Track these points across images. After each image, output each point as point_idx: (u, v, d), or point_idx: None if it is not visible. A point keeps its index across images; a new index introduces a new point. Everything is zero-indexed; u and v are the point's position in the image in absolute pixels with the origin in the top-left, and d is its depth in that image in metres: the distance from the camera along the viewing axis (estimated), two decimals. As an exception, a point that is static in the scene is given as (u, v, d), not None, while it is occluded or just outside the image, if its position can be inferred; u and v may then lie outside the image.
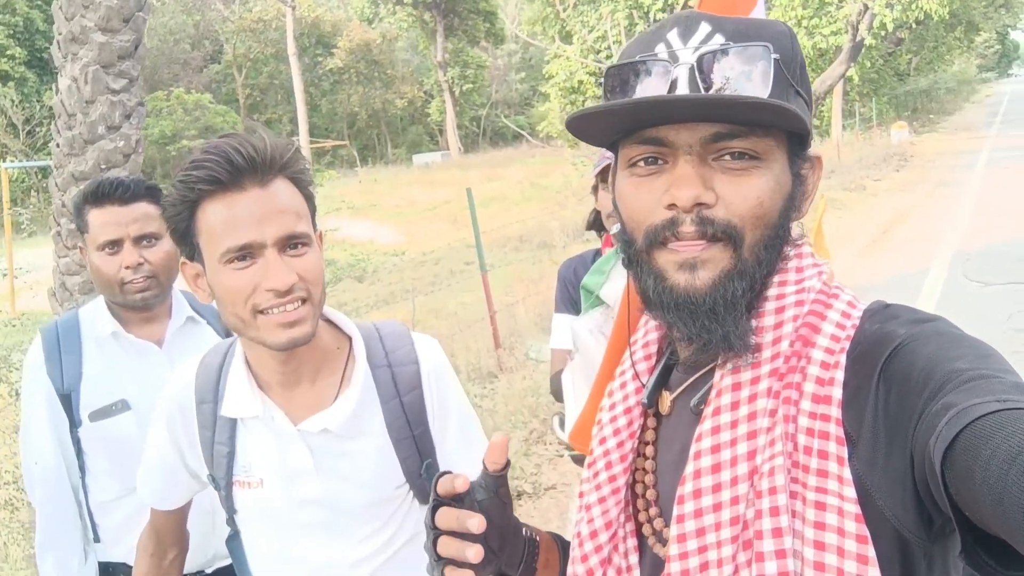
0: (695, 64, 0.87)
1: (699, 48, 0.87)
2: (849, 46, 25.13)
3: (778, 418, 0.86)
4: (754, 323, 0.90)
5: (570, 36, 31.40)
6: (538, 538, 1.10)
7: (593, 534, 1.02)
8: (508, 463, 0.99)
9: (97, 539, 2.23)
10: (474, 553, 0.91)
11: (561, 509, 4.84)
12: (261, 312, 1.34)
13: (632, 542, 1.02)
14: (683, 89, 0.87)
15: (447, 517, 0.94)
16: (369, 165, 40.62)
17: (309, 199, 1.43)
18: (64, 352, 2.15)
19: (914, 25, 29.36)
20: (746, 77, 0.85)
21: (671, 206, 0.88)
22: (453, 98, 44.51)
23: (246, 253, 1.32)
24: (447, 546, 0.93)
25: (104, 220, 2.09)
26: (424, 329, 8.85)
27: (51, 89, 5.43)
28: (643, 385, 1.04)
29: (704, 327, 0.89)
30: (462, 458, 1.59)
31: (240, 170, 1.31)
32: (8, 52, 34.40)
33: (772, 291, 0.91)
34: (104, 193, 2.10)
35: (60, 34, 4.74)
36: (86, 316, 2.21)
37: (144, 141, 5.13)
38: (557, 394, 2.62)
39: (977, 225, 12.49)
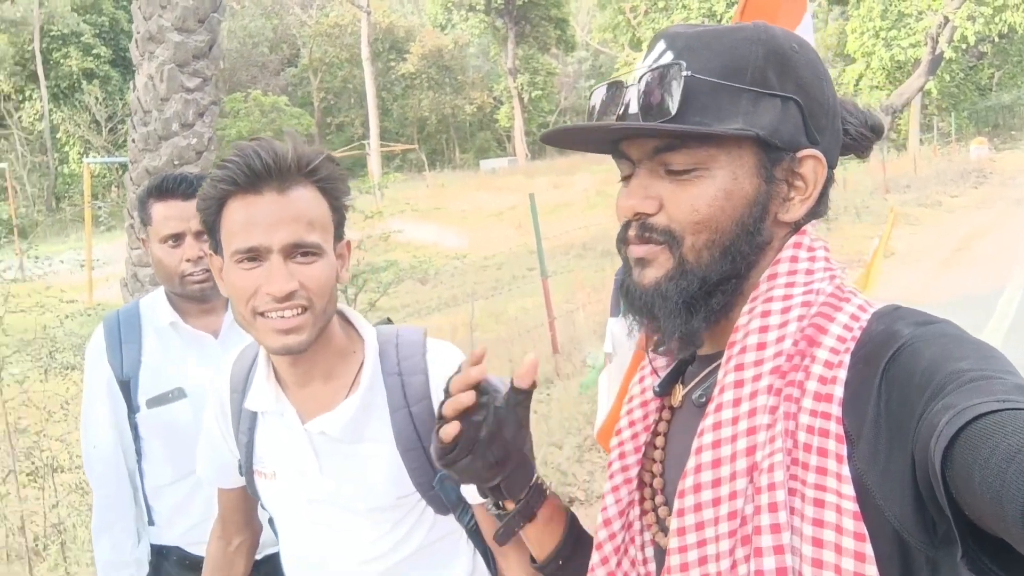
0: (639, 84, 0.95)
1: (652, 67, 0.95)
2: (928, 59, 24.55)
3: (778, 415, 0.87)
4: (742, 324, 0.94)
5: (640, 43, 31.31)
6: (548, 492, 1.16)
7: (607, 522, 1.05)
8: (535, 384, 1.07)
9: (151, 522, 2.29)
10: (450, 431, 1.02)
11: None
12: (260, 315, 1.36)
13: (649, 535, 1.05)
14: (633, 108, 0.95)
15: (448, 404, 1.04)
16: (437, 169, 40.94)
17: (336, 209, 1.45)
18: (125, 340, 2.22)
19: (997, 39, 28.58)
20: (665, 95, 0.92)
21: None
22: (522, 104, 44.64)
23: (254, 255, 1.35)
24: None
25: (167, 214, 2.16)
26: (483, 332, 8.88)
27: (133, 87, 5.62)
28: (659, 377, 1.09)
29: (646, 321, 0.99)
30: None
31: (258, 174, 1.34)
32: (94, 51, 35.67)
33: (779, 291, 0.93)
34: (168, 188, 2.17)
35: (138, 33, 4.91)
36: (147, 306, 2.28)
37: (216, 139, 5.27)
38: (605, 399, 2.62)
39: (1057, 245, 12.07)
